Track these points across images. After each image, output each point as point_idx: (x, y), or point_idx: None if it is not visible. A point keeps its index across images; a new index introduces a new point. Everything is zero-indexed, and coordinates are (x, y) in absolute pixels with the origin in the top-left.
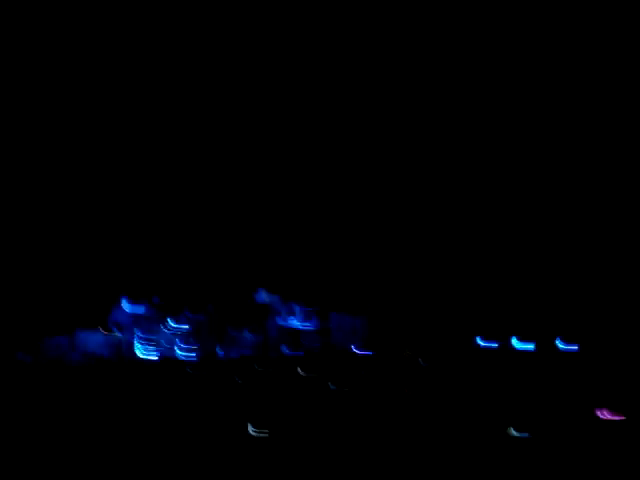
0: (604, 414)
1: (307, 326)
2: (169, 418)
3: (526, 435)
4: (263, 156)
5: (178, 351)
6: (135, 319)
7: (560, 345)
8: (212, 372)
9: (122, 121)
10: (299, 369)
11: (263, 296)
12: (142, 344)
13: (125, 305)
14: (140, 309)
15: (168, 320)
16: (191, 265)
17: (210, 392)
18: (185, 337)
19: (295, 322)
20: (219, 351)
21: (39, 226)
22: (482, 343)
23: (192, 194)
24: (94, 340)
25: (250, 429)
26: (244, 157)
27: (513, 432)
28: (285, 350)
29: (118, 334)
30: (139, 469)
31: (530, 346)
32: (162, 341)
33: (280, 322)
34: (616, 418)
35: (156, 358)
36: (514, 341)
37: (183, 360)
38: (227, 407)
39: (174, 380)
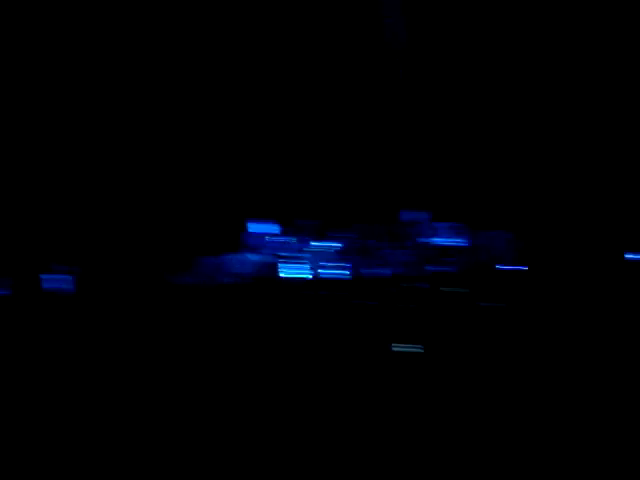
0: None
1: (454, 243)
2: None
3: None
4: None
5: (326, 270)
6: (272, 241)
7: None
8: (361, 289)
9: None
10: (444, 286)
11: (408, 215)
12: (290, 264)
13: (256, 227)
14: (274, 229)
15: (310, 241)
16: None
17: (360, 309)
18: (333, 256)
19: (441, 240)
20: (364, 269)
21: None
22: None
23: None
24: (241, 262)
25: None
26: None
27: None
28: (430, 267)
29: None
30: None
31: None
32: (308, 261)
33: (426, 240)
34: None
35: (310, 276)
36: None
37: (334, 279)
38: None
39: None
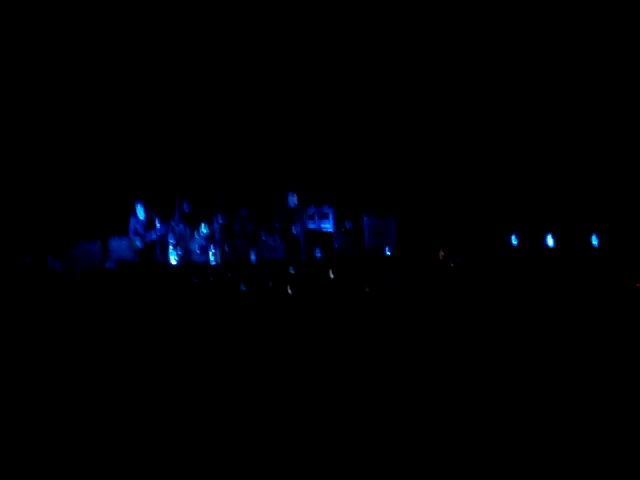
0: None
1: (338, 229)
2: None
3: None
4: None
5: (210, 256)
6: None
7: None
8: (244, 275)
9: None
10: (330, 272)
11: (294, 200)
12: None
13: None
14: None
15: (201, 226)
16: (218, 170)
17: (243, 294)
18: (215, 241)
19: (326, 225)
20: (252, 255)
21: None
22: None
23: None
24: (123, 247)
25: None
26: None
27: None
28: (318, 254)
29: (138, 243)
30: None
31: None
32: (193, 247)
33: (311, 226)
34: None
35: (175, 263)
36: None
37: (211, 264)
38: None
39: (200, 284)
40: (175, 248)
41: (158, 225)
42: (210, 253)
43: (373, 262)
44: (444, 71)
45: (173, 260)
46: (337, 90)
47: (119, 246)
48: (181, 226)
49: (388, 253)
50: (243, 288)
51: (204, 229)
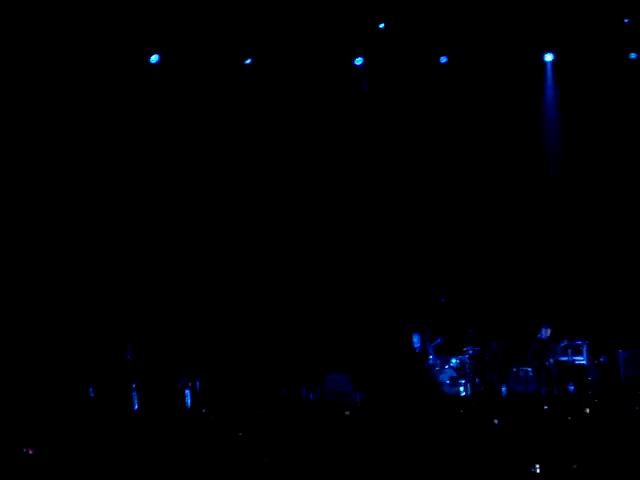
0: None
1: (593, 362)
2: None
3: None
4: None
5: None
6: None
7: None
8: (494, 408)
9: None
10: (587, 409)
11: (546, 332)
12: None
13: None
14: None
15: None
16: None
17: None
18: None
19: (580, 359)
20: (502, 387)
21: None
22: None
23: None
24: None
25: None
26: None
27: None
28: (571, 388)
29: None
30: None
31: None
32: (444, 378)
33: (562, 358)
34: None
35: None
36: None
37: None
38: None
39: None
40: None
41: None
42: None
43: (629, 398)
44: None
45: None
46: None
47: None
48: (432, 357)
49: None
50: (495, 422)
51: (454, 360)
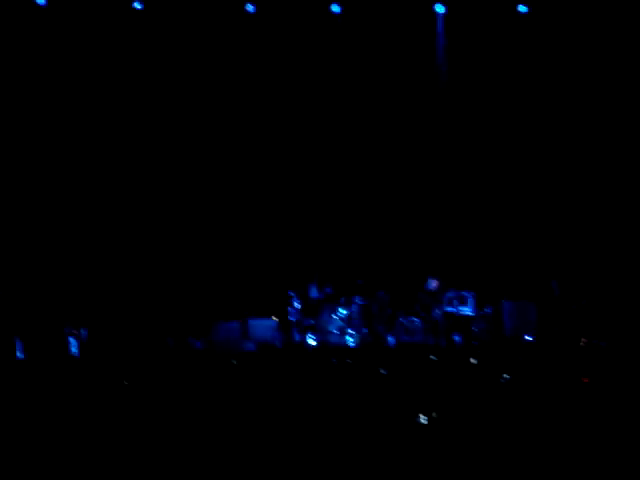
0: None
1: (478, 314)
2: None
3: None
4: None
5: (348, 338)
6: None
7: None
8: (381, 358)
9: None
10: (472, 358)
11: (433, 284)
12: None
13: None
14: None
15: (339, 308)
16: (359, 253)
17: (378, 378)
18: (352, 323)
19: (466, 310)
20: (389, 338)
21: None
22: None
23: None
24: (265, 327)
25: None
26: None
27: None
28: (457, 339)
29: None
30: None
31: None
32: (332, 328)
33: (450, 310)
34: None
35: (315, 344)
36: None
37: (349, 346)
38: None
39: (337, 366)
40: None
41: (297, 305)
42: (348, 335)
43: (513, 348)
44: None
45: (312, 342)
46: None
47: (259, 327)
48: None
49: (529, 339)
50: (383, 372)
51: (342, 311)
